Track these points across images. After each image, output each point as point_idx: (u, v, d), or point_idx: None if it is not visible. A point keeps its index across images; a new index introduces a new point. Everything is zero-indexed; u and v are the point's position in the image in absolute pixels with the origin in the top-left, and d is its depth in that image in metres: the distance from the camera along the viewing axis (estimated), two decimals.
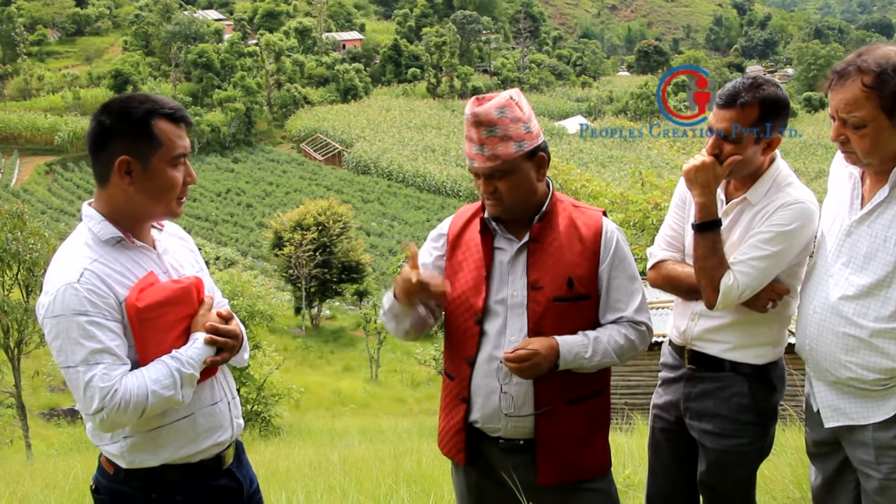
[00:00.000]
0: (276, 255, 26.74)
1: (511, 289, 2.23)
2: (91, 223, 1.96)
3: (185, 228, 2.29)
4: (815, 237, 2.32)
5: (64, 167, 46.67)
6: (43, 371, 15.60)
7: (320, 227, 25.90)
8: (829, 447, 2.31)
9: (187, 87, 57.28)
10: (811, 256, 2.34)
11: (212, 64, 57.47)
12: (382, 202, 41.82)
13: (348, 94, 62.02)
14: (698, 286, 2.33)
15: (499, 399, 2.22)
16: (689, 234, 2.43)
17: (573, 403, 2.24)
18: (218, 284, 2.44)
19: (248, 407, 13.37)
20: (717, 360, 2.43)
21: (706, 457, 2.47)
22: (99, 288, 1.86)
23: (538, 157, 2.20)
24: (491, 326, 2.24)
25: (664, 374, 2.62)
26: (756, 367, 2.41)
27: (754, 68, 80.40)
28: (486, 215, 2.29)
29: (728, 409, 2.41)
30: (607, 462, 2.35)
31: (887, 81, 1.98)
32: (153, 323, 1.90)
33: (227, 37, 64.78)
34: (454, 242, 2.35)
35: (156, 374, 1.86)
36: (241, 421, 2.19)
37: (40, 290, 2.21)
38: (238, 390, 2.98)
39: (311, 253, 25.11)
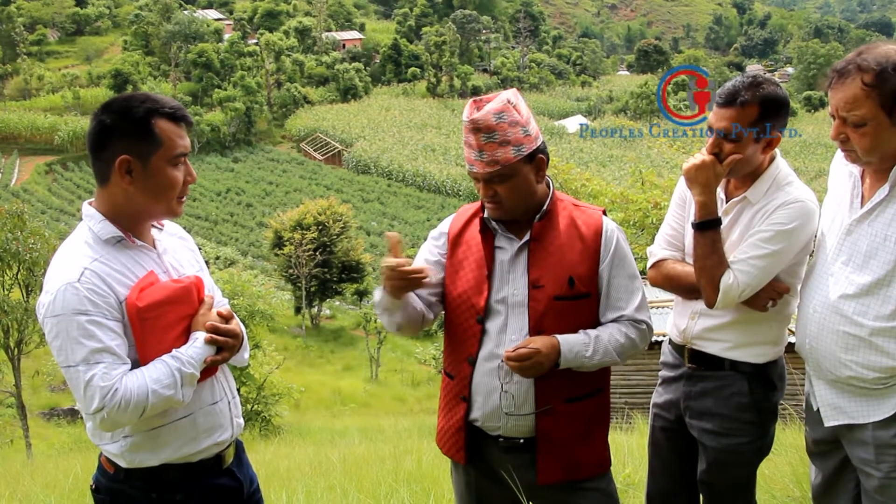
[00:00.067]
0: (276, 255, 26.76)
1: (512, 288, 2.23)
2: (91, 222, 1.96)
3: (185, 228, 2.29)
4: (815, 236, 2.33)
5: (64, 167, 46.68)
6: (43, 371, 15.60)
7: (320, 227, 25.91)
8: (829, 446, 2.31)
9: (187, 86, 57.30)
10: (811, 255, 2.34)
11: (212, 63, 57.50)
12: (382, 202, 41.84)
13: (348, 93, 62.05)
14: (698, 285, 2.33)
15: (499, 398, 2.22)
16: (689, 233, 2.43)
17: (573, 402, 2.24)
18: (218, 284, 2.43)
19: (249, 406, 13.37)
20: (717, 359, 2.43)
21: (706, 456, 2.47)
22: (99, 287, 1.86)
23: (537, 160, 2.20)
24: (492, 325, 2.24)
25: (664, 372, 2.62)
26: (756, 366, 2.41)
27: (754, 67, 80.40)
28: (485, 215, 2.29)
29: (728, 407, 2.41)
30: (607, 461, 2.35)
31: (887, 80, 1.98)
32: (153, 322, 1.90)
33: (226, 36, 64.85)
34: (455, 241, 2.35)
35: (156, 374, 1.86)
36: (242, 420, 2.19)
37: (40, 290, 2.20)
38: (238, 390, 2.98)
39: (311, 252, 25.12)
